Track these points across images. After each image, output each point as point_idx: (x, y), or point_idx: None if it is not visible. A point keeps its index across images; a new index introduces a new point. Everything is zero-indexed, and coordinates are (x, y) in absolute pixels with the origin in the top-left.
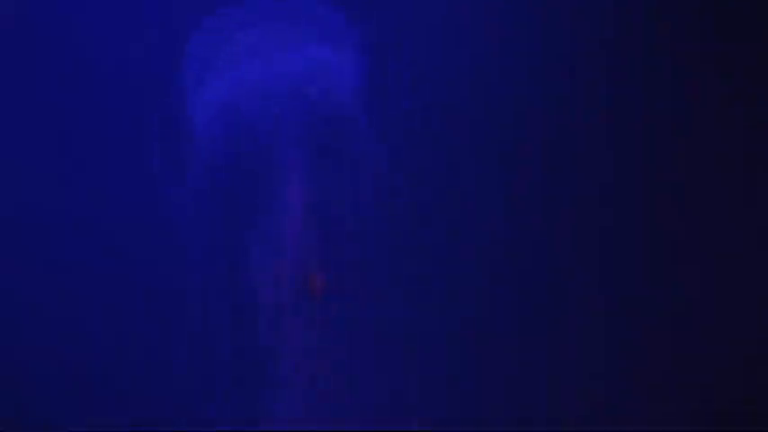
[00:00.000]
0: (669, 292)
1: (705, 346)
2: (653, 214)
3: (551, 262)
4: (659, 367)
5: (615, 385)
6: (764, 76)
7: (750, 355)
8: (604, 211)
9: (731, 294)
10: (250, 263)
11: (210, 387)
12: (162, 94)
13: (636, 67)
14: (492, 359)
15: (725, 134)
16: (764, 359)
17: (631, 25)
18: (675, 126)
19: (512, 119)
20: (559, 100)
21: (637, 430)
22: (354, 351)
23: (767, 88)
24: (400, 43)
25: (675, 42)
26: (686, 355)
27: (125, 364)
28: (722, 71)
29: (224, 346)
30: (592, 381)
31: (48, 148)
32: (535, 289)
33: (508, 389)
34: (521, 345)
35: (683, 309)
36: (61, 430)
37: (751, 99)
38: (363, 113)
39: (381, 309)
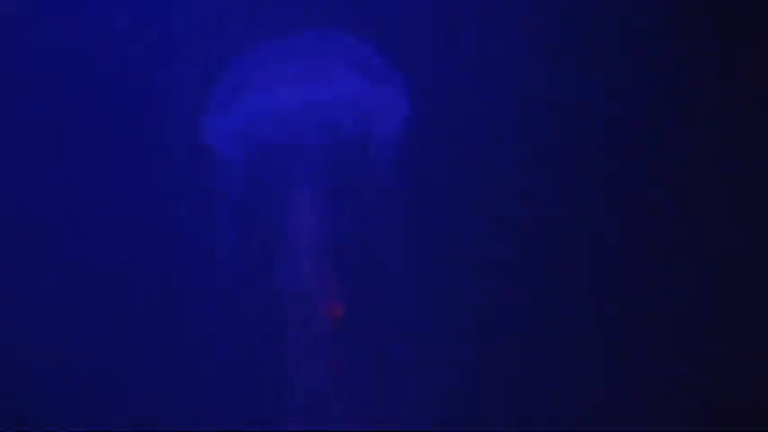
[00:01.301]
0: (669, 292)
1: (705, 346)
2: (653, 215)
3: (553, 266)
4: (659, 367)
5: (615, 385)
6: (765, 77)
7: (750, 355)
8: (605, 212)
9: (731, 294)
10: (270, 286)
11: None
12: (187, 116)
13: (638, 69)
14: (498, 382)
15: (725, 134)
16: (764, 359)
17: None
18: (675, 127)
19: (534, 152)
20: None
21: (637, 430)
22: (368, 372)
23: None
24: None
25: (676, 43)
26: (686, 356)
27: (141, 387)
28: (722, 71)
29: (242, 364)
30: (592, 381)
31: (77, 174)
32: (538, 296)
33: (512, 396)
34: (524, 351)
35: (683, 309)
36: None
37: (751, 99)
38: (388, 148)
39: (395, 331)
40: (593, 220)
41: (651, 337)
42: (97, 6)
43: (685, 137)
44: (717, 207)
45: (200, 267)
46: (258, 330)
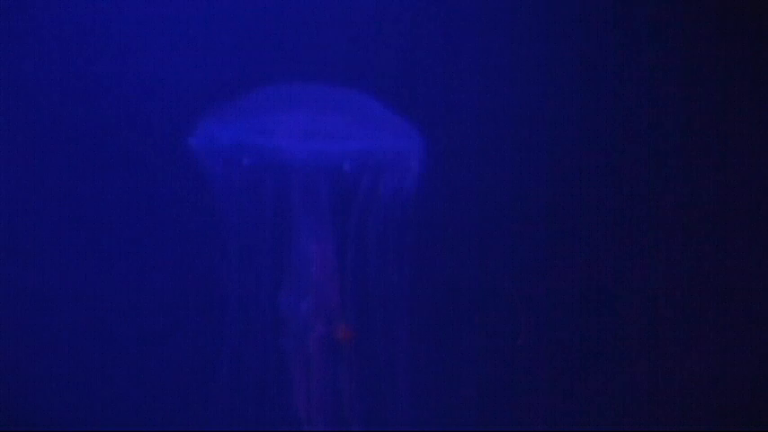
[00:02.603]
0: (670, 293)
1: (705, 346)
2: (656, 217)
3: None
4: (660, 368)
5: (615, 386)
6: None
7: (750, 355)
8: (609, 216)
9: (732, 295)
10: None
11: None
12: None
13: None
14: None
15: (725, 135)
16: (765, 359)
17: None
18: (678, 131)
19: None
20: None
21: (637, 430)
22: (373, 400)
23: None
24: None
25: (676, 43)
26: (688, 356)
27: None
28: (722, 71)
29: (252, 394)
30: (593, 381)
31: (78, 184)
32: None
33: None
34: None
35: (684, 310)
36: None
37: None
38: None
39: (401, 362)
40: (596, 226)
41: (652, 338)
42: (104, 25)
43: (688, 137)
44: (718, 207)
45: (202, 286)
46: (261, 355)
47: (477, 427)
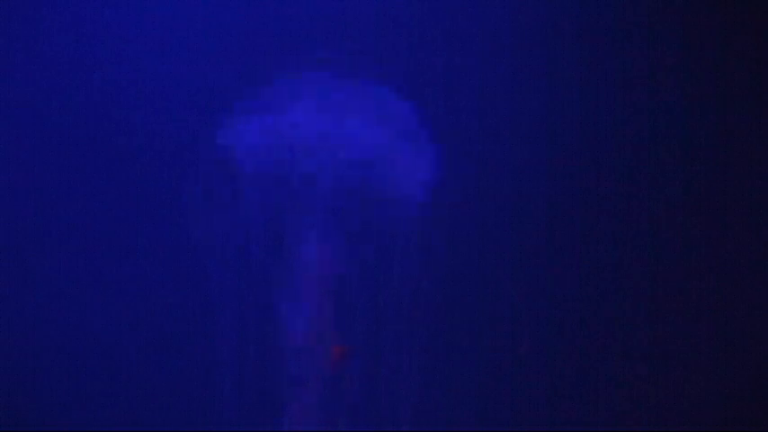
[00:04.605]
0: (671, 294)
1: (706, 346)
2: (658, 221)
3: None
4: (661, 369)
5: (616, 387)
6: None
7: (750, 355)
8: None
9: (732, 296)
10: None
11: None
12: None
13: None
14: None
15: (725, 135)
16: (765, 359)
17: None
18: (678, 131)
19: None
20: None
21: (637, 430)
22: (370, 415)
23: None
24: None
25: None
26: (686, 356)
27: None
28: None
29: (250, 407)
30: (593, 382)
31: (85, 183)
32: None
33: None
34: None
35: (685, 311)
36: None
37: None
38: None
39: (397, 376)
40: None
41: (652, 339)
42: (121, 19)
43: (690, 139)
44: (718, 208)
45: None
46: (258, 365)
47: None
